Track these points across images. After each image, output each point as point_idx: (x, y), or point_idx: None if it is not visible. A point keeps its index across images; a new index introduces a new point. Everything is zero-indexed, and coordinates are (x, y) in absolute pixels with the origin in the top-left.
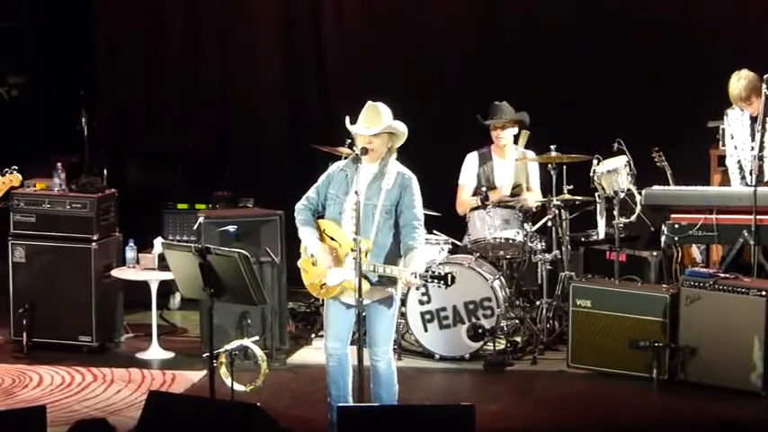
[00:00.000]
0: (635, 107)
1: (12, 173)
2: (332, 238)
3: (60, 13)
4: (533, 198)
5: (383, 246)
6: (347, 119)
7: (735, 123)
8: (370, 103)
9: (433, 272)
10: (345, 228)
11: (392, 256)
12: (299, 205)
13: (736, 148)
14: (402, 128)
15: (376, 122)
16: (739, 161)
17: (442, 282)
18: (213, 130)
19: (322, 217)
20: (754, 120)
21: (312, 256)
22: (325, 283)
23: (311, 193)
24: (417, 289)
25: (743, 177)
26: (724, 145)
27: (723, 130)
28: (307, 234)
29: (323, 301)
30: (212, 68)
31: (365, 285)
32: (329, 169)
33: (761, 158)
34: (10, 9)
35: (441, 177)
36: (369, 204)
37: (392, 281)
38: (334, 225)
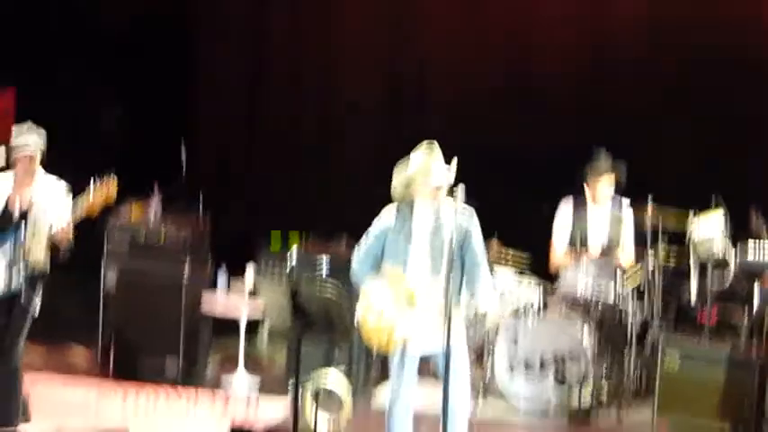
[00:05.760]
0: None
1: (108, 180)
2: (397, 284)
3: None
4: (626, 258)
5: (452, 284)
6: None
7: None
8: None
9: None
10: (410, 271)
11: (459, 293)
12: (357, 255)
13: None
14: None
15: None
16: None
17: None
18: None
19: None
20: None
21: (377, 305)
22: (392, 333)
23: (369, 239)
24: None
25: None
26: None
27: None
28: (370, 283)
29: None
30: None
31: (435, 326)
32: (382, 214)
33: None
34: None
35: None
36: (436, 244)
37: (459, 319)
38: (399, 270)
